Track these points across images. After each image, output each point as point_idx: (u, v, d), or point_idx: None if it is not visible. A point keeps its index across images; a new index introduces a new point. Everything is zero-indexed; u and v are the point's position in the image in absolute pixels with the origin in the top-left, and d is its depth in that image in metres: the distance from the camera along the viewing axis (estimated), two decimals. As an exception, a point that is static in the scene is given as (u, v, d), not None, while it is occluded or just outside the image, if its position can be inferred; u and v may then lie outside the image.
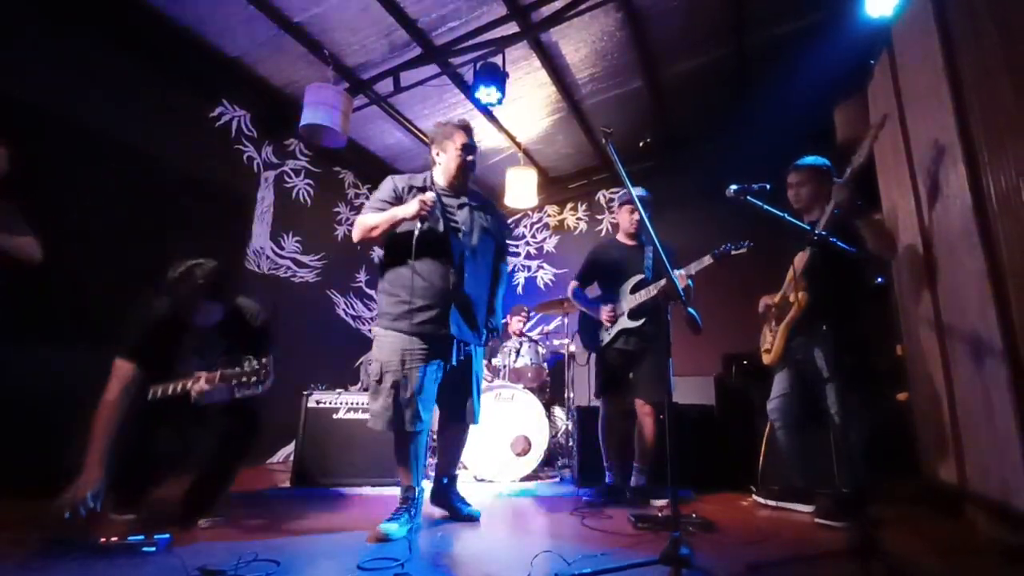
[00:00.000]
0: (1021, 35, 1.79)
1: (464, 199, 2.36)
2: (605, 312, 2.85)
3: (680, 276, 2.62)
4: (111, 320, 2.33)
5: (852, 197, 2.21)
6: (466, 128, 2.34)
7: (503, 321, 2.43)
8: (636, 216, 2.94)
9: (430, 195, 2.15)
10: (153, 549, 1.70)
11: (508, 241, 6.10)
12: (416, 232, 2.13)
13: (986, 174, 1.93)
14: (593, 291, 3.10)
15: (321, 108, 3.72)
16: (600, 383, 2.92)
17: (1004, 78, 1.86)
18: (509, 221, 6.39)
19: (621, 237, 3.09)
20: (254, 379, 2.00)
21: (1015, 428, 1.76)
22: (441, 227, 2.23)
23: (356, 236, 2.23)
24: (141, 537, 1.72)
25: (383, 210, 2.22)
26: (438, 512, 2.50)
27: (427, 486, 2.34)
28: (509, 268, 2.50)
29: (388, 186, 2.31)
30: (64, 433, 2.77)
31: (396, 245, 2.23)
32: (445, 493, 2.40)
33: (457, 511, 2.33)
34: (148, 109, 3.63)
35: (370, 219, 2.20)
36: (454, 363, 2.24)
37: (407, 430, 2.10)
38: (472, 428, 2.44)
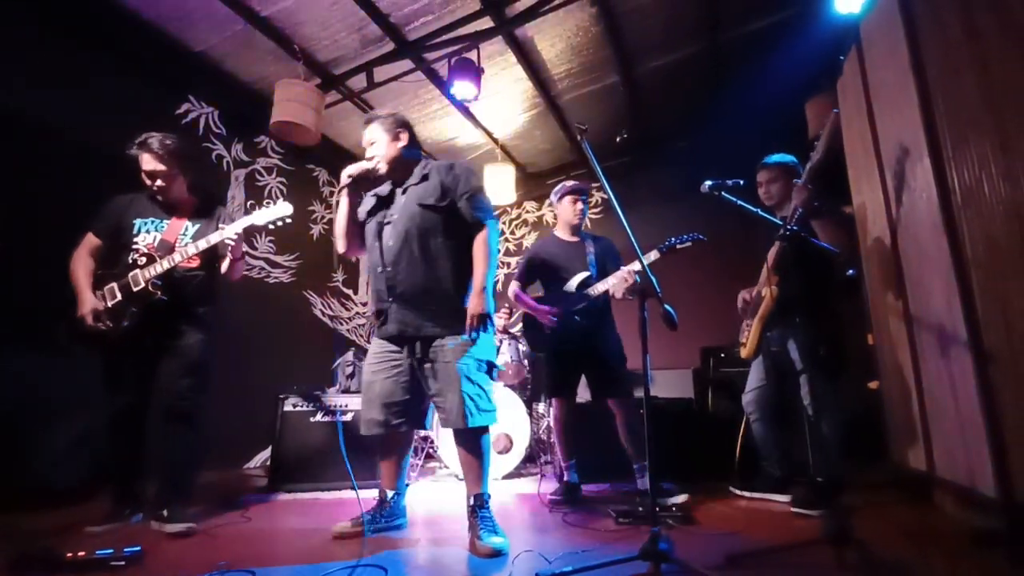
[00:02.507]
0: (983, 33, 1.84)
1: (409, 182, 2.21)
2: (547, 314, 2.74)
3: (629, 273, 2.62)
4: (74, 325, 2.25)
5: (810, 198, 2.26)
6: (366, 122, 2.42)
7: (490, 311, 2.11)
8: (579, 207, 2.89)
9: (354, 166, 2.22)
10: (123, 563, 1.65)
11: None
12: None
13: (950, 168, 1.98)
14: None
15: (292, 104, 3.63)
16: (552, 385, 2.84)
17: (967, 74, 1.90)
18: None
19: (561, 232, 2.97)
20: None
21: (980, 415, 1.82)
22: (372, 215, 2.26)
23: (338, 247, 2.34)
24: (110, 551, 1.67)
25: None
26: (421, 513, 2.48)
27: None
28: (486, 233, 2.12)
29: None
30: (32, 445, 2.67)
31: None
32: (470, 520, 1.97)
33: (472, 542, 1.88)
34: (110, 106, 3.47)
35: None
36: (418, 362, 2.07)
37: (365, 433, 2.13)
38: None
